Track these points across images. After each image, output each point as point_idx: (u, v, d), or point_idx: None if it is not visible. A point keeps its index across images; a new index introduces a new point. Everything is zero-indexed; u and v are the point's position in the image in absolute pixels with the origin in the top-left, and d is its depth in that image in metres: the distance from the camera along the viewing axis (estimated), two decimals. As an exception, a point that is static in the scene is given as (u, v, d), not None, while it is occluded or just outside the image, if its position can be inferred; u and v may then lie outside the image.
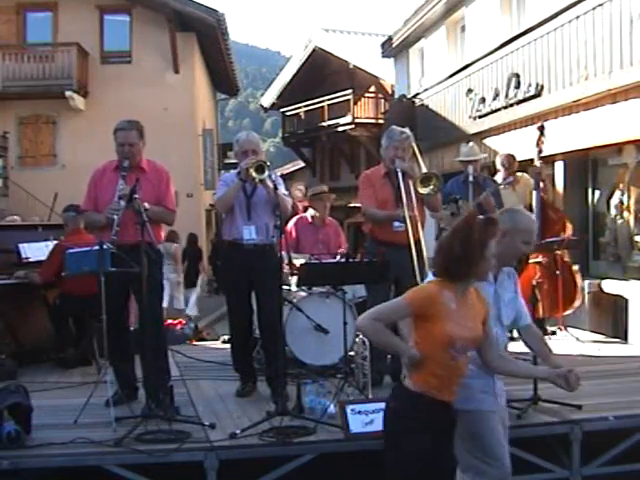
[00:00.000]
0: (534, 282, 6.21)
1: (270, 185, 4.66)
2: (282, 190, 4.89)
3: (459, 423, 2.85)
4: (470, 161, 6.45)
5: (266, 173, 4.62)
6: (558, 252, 6.57)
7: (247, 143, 4.97)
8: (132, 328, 5.06)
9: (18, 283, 6.14)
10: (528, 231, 3.16)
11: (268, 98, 26.74)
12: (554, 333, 6.92)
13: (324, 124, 22.89)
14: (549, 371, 2.99)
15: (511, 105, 10.02)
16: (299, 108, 24.44)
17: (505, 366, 2.98)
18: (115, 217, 4.41)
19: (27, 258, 6.44)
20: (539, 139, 6.50)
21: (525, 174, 7.22)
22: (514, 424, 4.19)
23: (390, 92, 19.21)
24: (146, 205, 4.38)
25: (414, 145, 5.19)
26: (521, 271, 6.56)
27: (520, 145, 8.72)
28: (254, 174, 4.60)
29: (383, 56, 17.31)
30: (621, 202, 8.47)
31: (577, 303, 6.84)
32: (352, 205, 17.46)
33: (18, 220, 9.76)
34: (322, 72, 24.03)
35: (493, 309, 3.00)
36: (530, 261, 6.51)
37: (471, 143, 7.07)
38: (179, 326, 8.22)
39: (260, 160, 4.69)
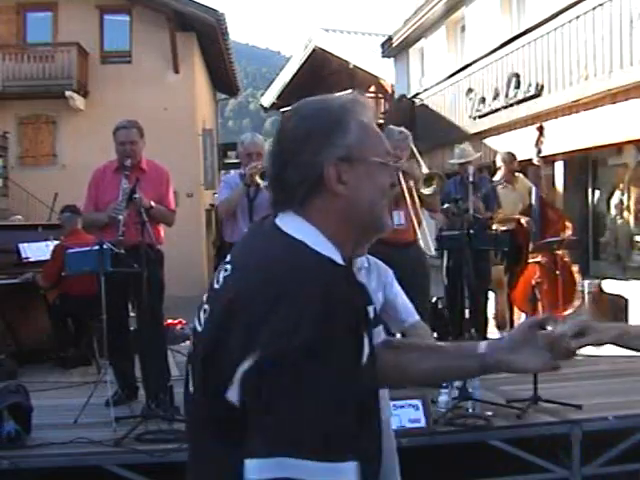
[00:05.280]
0: (534, 282, 6.20)
1: None
2: None
3: None
4: (464, 163, 6.46)
5: None
6: (558, 252, 6.57)
7: (252, 145, 4.99)
8: (132, 328, 5.06)
9: (18, 283, 6.14)
10: None
11: (268, 98, 26.73)
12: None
13: (324, 124, 22.86)
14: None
15: (511, 105, 10.03)
16: (299, 108, 24.43)
17: None
18: (120, 217, 4.41)
19: (27, 258, 6.44)
20: (538, 139, 6.51)
21: (521, 175, 7.22)
22: (514, 424, 4.20)
23: (390, 92, 19.20)
24: (152, 203, 4.40)
25: (412, 145, 5.19)
26: (521, 271, 6.58)
27: (520, 145, 8.73)
28: (259, 180, 4.65)
29: (383, 56, 17.31)
30: (621, 202, 8.48)
31: (576, 303, 6.84)
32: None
33: (21, 220, 9.79)
34: (322, 72, 24.01)
35: None
36: (530, 261, 6.51)
37: (463, 145, 7.07)
38: (179, 326, 8.22)
39: (265, 167, 4.73)
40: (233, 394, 1.16)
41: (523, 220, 6.64)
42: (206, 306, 1.27)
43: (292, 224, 1.26)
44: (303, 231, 1.25)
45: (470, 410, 4.22)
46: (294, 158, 1.26)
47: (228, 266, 1.28)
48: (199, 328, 1.27)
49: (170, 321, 7.86)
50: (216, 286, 1.27)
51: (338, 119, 1.28)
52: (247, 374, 1.13)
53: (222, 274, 1.27)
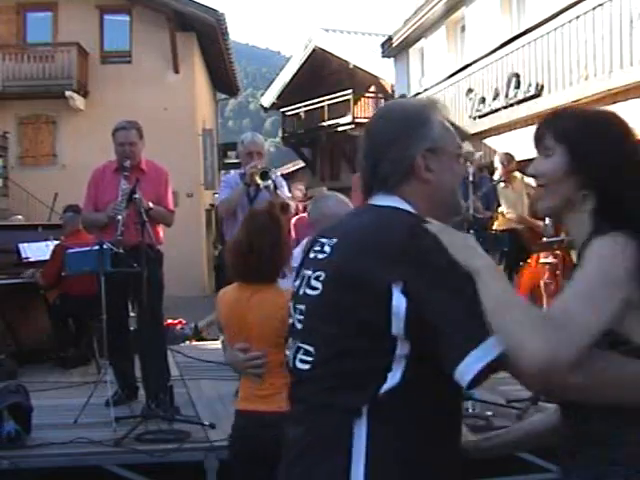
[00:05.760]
0: (542, 282, 6.18)
1: (272, 189, 4.70)
2: (285, 192, 4.89)
3: None
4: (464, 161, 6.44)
5: (270, 180, 4.67)
6: (561, 252, 6.54)
7: (252, 145, 4.99)
8: (132, 328, 5.07)
9: (18, 283, 6.15)
10: (335, 215, 2.95)
11: (268, 98, 26.75)
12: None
13: (324, 124, 22.89)
14: None
15: (511, 105, 10.04)
16: (299, 108, 24.45)
17: None
18: (120, 217, 4.42)
19: (27, 258, 6.44)
20: None
21: (519, 173, 7.21)
22: (514, 424, 4.20)
23: (390, 92, 19.21)
24: (150, 204, 4.40)
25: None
26: (522, 270, 6.57)
27: (520, 145, 8.72)
28: (259, 180, 4.65)
29: (383, 56, 17.33)
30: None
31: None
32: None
33: (21, 220, 9.79)
34: (322, 72, 24.03)
35: None
36: (540, 261, 6.48)
37: (464, 144, 7.06)
38: (179, 326, 8.22)
39: (265, 167, 4.74)
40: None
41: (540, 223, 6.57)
42: (318, 272, 1.45)
43: (390, 201, 1.47)
44: (401, 204, 1.46)
45: (470, 410, 4.21)
46: (386, 155, 1.48)
47: (334, 240, 1.46)
48: (313, 292, 1.45)
49: (170, 321, 7.87)
50: (321, 256, 1.47)
51: (423, 118, 1.50)
52: (413, 297, 1.31)
53: (327, 247, 1.47)
